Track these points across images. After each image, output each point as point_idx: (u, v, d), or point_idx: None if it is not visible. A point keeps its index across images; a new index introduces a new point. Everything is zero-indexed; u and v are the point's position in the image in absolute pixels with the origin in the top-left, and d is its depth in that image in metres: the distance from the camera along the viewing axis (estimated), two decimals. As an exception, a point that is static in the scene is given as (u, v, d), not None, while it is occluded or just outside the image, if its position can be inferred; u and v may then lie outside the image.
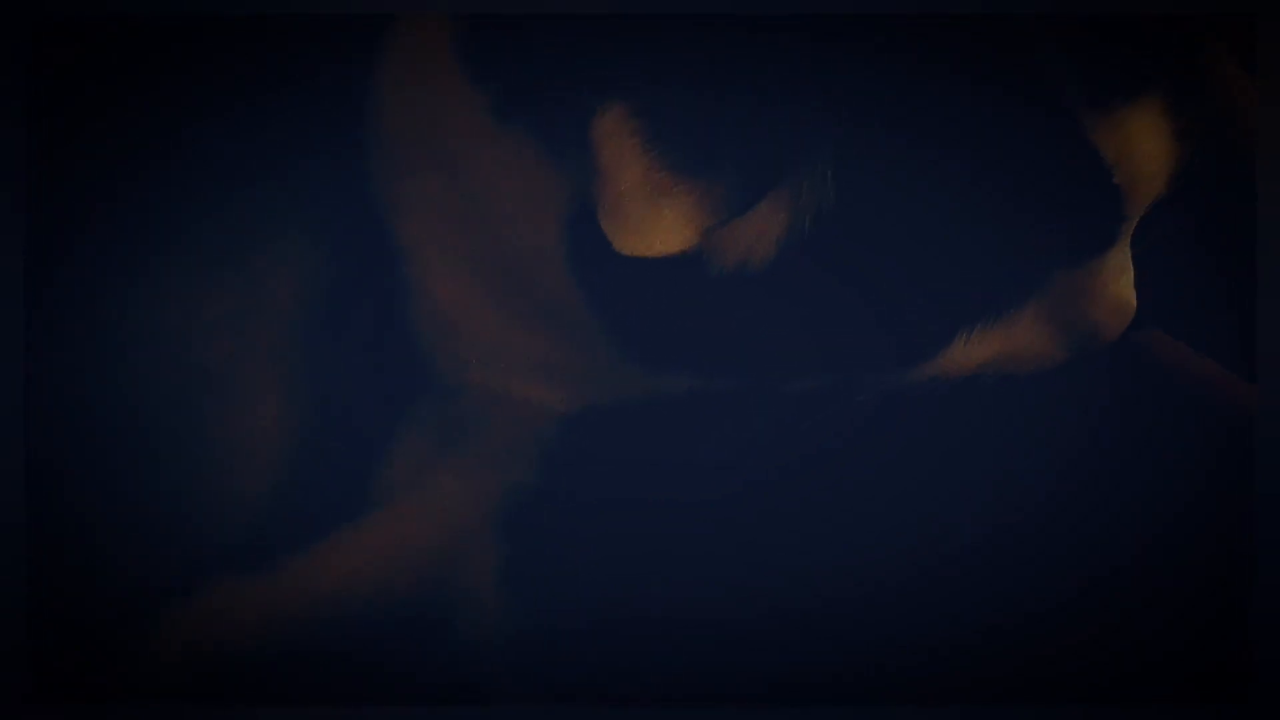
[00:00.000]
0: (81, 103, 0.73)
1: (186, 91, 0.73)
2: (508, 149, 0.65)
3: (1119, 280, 0.67)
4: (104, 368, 0.73)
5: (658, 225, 0.59)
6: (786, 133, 0.60)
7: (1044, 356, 0.68)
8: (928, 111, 0.61)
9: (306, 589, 0.73)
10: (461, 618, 0.73)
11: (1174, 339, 0.74)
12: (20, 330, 0.70)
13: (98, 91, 0.73)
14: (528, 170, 0.65)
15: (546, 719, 0.73)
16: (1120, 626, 0.71)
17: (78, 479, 0.72)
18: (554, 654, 0.72)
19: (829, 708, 0.71)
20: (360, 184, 0.71)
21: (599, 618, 0.72)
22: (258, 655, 0.72)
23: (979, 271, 0.64)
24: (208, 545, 0.73)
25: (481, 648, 0.73)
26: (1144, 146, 0.64)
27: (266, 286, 0.73)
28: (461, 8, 0.66)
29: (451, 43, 0.67)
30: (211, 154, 0.73)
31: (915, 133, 0.61)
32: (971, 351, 0.66)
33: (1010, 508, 0.73)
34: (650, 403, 0.71)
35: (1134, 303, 0.68)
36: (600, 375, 0.70)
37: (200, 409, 0.73)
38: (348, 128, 0.71)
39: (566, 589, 0.72)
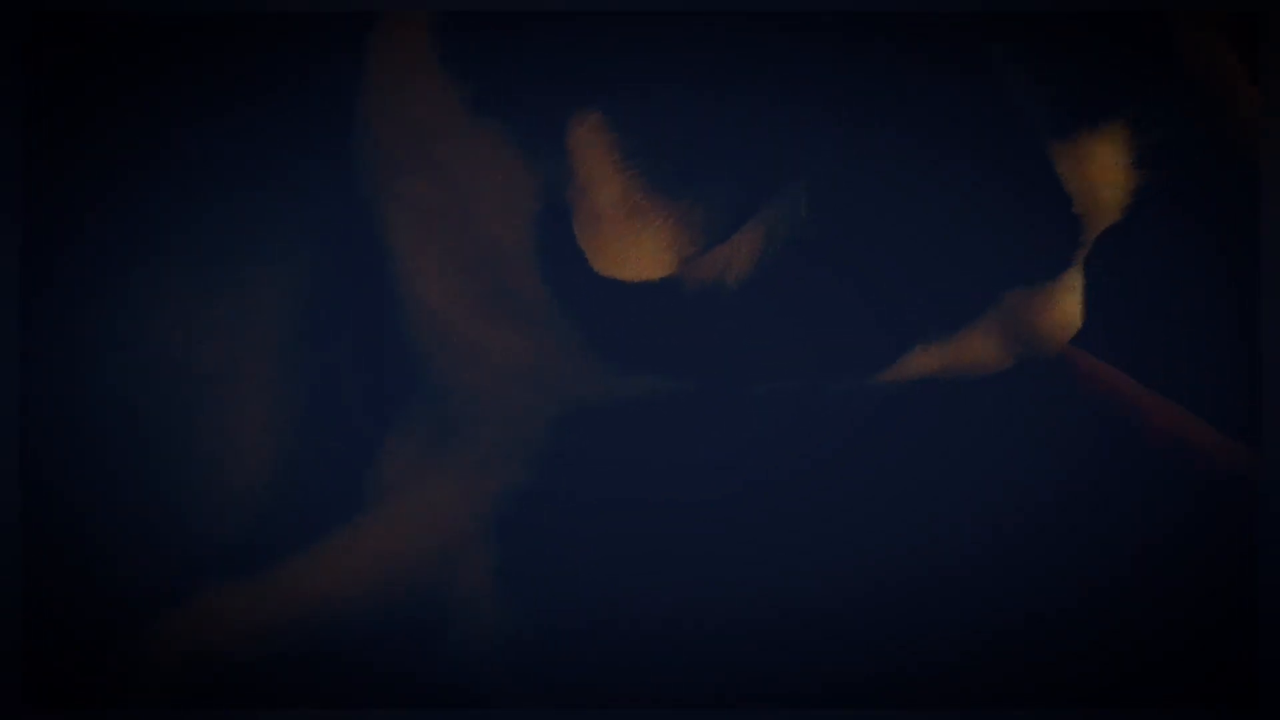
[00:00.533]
0: (79, 101, 0.73)
1: (181, 91, 0.73)
2: (485, 148, 0.65)
3: (1068, 298, 0.67)
4: (98, 369, 0.72)
5: (635, 250, 0.58)
6: (770, 144, 0.59)
7: (991, 365, 0.69)
8: (896, 132, 0.61)
9: (300, 592, 0.72)
10: (457, 620, 0.73)
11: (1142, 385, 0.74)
12: (16, 330, 0.70)
13: (94, 90, 0.73)
14: (506, 170, 0.65)
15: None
16: (1124, 629, 0.70)
17: (70, 482, 0.72)
18: (550, 656, 0.72)
19: (829, 711, 0.70)
20: (352, 184, 0.71)
21: (595, 619, 0.72)
22: (252, 659, 0.72)
23: (936, 288, 0.64)
24: (201, 548, 0.73)
25: (477, 650, 0.73)
26: (1105, 176, 0.64)
27: (258, 287, 0.73)
28: (442, 4, 0.66)
29: (432, 40, 0.66)
30: (206, 154, 0.73)
31: (885, 152, 0.61)
32: (929, 360, 0.67)
33: (1012, 510, 0.72)
34: (644, 403, 0.70)
35: (1079, 319, 0.68)
36: (589, 376, 0.70)
37: (192, 411, 0.73)
38: (341, 127, 0.71)
39: (562, 590, 0.72)
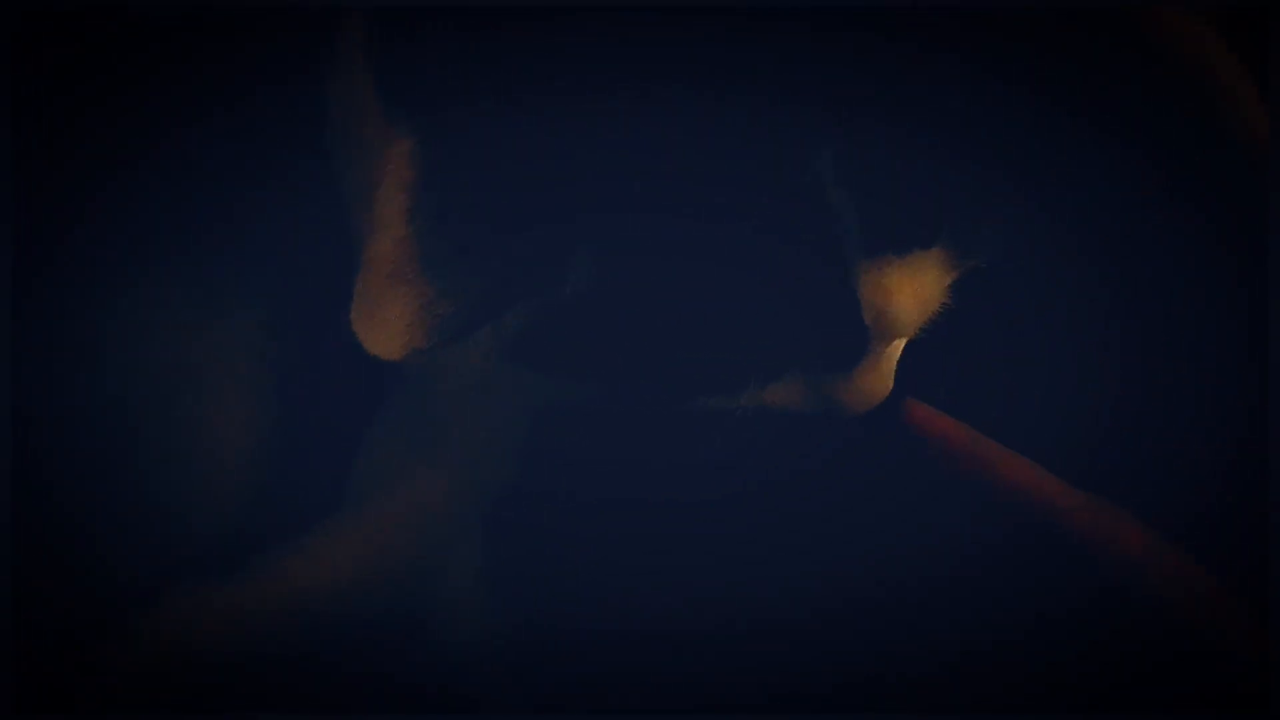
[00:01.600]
0: (70, 101, 0.73)
1: (174, 90, 0.73)
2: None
3: (873, 373, 0.67)
4: (93, 369, 0.72)
5: (379, 321, 0.55)
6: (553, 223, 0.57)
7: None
8: (706, 223, 0.60)
9: (284, 591, 0.72)
10: (441, 620, 0.72)
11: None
12: (8, 330, 0.70)
13: (86, 90, 0.73)
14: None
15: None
16: (1131, 631, 0.69)
17: (62, 482, 0.72)
18: (536, 657, 0.71)
19: (828, 714, 0.69)
20: (334, 181, 0.71)
21: (582, 620, 0.71)
22: (234, 660, 0.71)
23: (744, 352, 0.64)
24: (183, 550, 0.72)
25: (462, 651, 0.72)
26: (902, 299, 0.64)
27: (247, 286, 0.73)
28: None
29: (363, 36, 0.65)
30: (201, 153, 0.73)
31: (689, 238, 0.60)
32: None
33: (1014, 510, 0.71)
34: (631, 402, 0.70)
35: (887, 389, 0.68)
36: (574, 373, 0.69)
37: (181, 411, 0.72)
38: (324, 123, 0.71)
39: (547, 591, 0.71)
